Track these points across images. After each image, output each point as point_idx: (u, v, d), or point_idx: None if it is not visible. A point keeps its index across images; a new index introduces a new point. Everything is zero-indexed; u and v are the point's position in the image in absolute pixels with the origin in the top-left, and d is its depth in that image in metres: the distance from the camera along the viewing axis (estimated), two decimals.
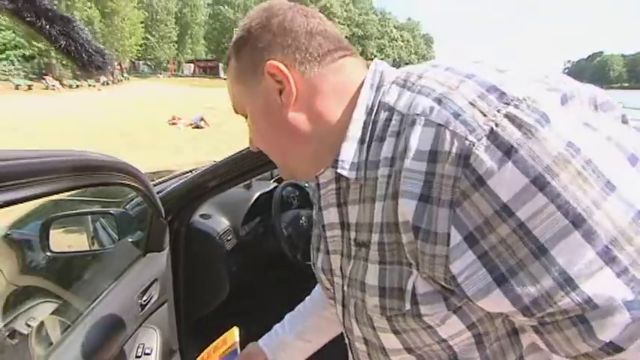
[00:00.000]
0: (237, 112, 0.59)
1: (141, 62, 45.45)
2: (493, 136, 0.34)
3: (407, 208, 0.38)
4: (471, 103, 0.36)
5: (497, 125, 0.34)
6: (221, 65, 50.15)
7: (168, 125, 12.99)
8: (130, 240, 1.30)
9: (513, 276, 0.34)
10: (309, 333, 0.81)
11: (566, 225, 0.32)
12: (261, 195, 1.81)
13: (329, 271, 0.59)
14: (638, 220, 0.32)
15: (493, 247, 0.35)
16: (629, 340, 0.32)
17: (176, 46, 43.50)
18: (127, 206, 1.42)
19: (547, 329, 0.36)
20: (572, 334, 0.34)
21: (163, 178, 1.59)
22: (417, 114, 0.39)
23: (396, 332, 0.46)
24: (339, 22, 42.50)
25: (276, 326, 0.85)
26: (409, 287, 0.42)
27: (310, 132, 0.51)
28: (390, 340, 0.48)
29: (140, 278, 1.15)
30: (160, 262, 1.26)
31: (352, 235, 0.51)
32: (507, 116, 0.34)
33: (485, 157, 0.34)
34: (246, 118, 0.57)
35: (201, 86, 33.40)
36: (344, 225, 0.53)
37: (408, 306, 0.43)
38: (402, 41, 65.14)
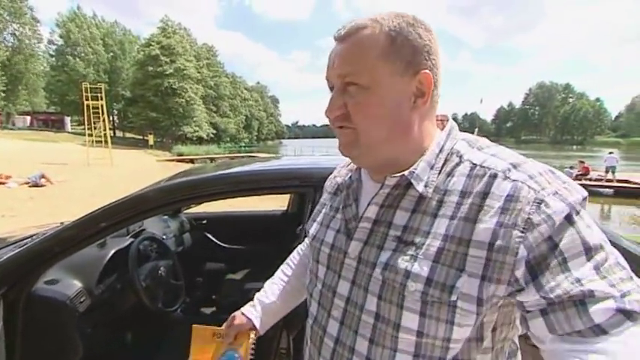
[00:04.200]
0: (339, 76, 0.56)
1: None
2: (557, 195, 0.46)
3: (485, 232, 0.47)
4: (540, 174, 0.49)
5: (557, 192, 0.47)
6: (68, 119, 42.02)
7: None
8: None
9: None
10: (290, 295, 0.85)
11: (580, 251, 0.45)
12: (117, 251, 1.67)
13: (341, 250, 0.62)
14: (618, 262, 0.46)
15: (540, 259, 0.45)
16: (610, 326, 0.41)
17: (2, 96, 34.04)
18: None
19: (553, 308, 0.44)
20: (572, 313, 0.43)
21: None
22: (498, 171, 0.50)
23: (422, 314, 0.51)
24: (194, 84, 40.00)
25: (258, 294, 0.85)
26: (458, 285, 0.48)
27: (413, 136, 0.57)
28: (410, 320, 0.51)
29: None
30: None
31: (393, 232, 0.55)
32: (565, 187, 0.48)
33: (552, 203, 0.45)
34: (343, 83, 0.55)
35: (43, 140, 27.16)
36: (379, 222, 0.58)
37: (454, 297, 0.48)
38: (253, 101, 67.57)
